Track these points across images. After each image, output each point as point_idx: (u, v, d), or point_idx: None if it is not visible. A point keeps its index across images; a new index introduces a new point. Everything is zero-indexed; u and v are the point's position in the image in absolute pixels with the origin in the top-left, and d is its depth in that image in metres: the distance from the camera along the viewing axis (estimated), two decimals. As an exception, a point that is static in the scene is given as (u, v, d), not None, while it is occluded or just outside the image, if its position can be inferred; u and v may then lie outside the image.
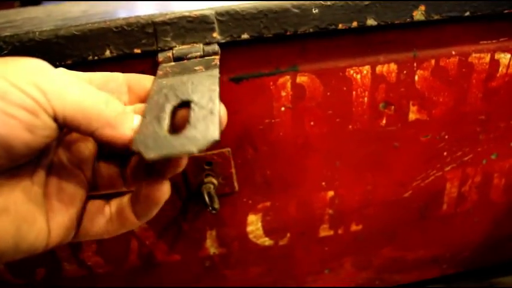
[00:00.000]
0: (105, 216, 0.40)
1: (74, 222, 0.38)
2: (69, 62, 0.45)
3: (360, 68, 0.51)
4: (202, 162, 0.53)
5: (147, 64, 0.48)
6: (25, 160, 0.34)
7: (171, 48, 0.45)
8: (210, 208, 0.52)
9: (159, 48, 0.45)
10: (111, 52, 0.45)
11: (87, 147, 0.39)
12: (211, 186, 0.53)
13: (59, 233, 0.37)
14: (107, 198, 0.40)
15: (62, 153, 0.38)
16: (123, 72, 0.39)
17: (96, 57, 0.45)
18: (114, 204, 0.39)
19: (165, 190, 0.35)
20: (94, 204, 0.40)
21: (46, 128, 0.32)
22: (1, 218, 0.33)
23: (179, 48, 0.45)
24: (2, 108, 0.29)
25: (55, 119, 0.32)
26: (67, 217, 0.38)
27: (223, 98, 0.49)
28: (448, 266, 0.74)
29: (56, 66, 0.44)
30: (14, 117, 0.30)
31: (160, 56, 0.44)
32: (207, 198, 0.51)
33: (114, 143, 0.34)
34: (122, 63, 0.47)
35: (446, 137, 0.59)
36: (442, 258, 0.72)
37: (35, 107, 0.30)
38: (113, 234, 0.40)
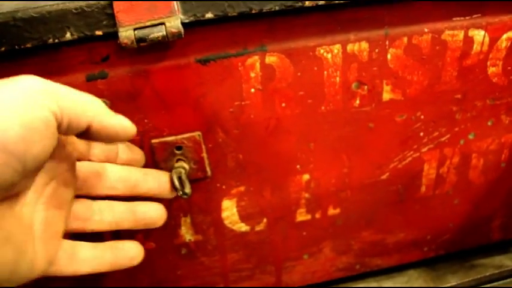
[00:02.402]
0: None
1: (56, 250, 0.40)
2: (28, 45, 0.43)
3: (331, 47, 0.50)
4: (172, 147, 0.52)
5: (111, 47, 0.46)
6: (33, 175, 0.35)
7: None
8: (181, 193, 0.51)
9: (120, 30, 0.44)
10: (71, 34, 0.44)
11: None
12: (182, 171, 0.52)
13: (43, 262, 0.38)
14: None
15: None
16: (88, 55, 0.44)
17: (56, 40, 0.44)
18: None
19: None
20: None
21: (54, 132, 0.33)
22: (5, 247, 0.33)
23: (140, 30, 0.44)
24: (24, 122, 0.30)
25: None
26: (51, 246, 0.39)
27: (190, 80, 0.49)
28: (429, 249, 0.73)
29: (15, 51, 0.43)
30: (34, 129, 0.31)
31: (122, 38, 0.43)
32: (176, 183, 0.50)
33: (112, 130, 0.37)
34: (85, 46, 0.46)
35: (422, 117, 0.58)
36: (423, 240, 0.72)
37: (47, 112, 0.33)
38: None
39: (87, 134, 0.37)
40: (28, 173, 0.32)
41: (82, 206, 0.45)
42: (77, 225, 0.44)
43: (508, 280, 0.73)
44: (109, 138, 0.39)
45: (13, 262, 0.33)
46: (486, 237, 0.75)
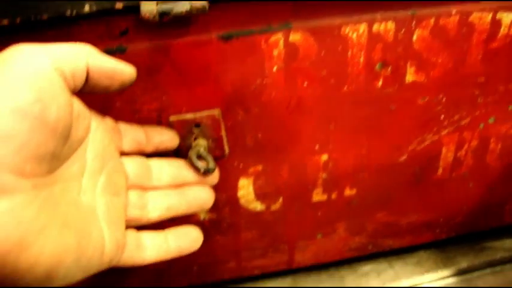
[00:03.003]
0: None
1: (123, 235, 0.42)
2: (44, 17, 0.42)
3: (356, 26, 0.49)
4: (191, 125, 0.51)
5: (130, 21, 0.45)
6: (72, 145, 0.36)
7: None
8: (205, 169, 0.49)
9: (142, 3, 0.43)
10: (90, 7, 0.42)
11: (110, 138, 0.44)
12: (201, 148, 0.51)
13: (111, 246, 0.39)
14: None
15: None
16: (106, 29, 0.43)
17: (74, 12, 0.42)
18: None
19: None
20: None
21: (63, 87, 0.34)
22: (63, 231, 0.33)
23: (164, 3, 0.42)
24: (31, 84, 0.31)
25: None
26: (117, 231, 0.41)
27: (212, 57, 0.47)
28: (441, 231, 0.73)
29: (31, 22, 0.42)
30: (42, 88, 0.32)
31: (144, 11, 0.42)
32: (196, 161, 0.49)
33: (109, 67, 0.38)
34: (103, 19, 0.45)
35: (444, 99, 0.57)
36: (436, 222, 0.72)
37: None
38: None
39: (89, 82, 0.37)
40: (61, 139, 0.33)
41: (136, 195, 0.46)
42: (135, 214, 0.45)
43: (519, 263, 0.74)
44: (108, 79, 0.38)
45: (77, 246, 0.34)
46: (498, 220, 0.75)
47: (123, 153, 0.46)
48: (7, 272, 0.29)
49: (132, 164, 0.46)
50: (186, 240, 0.48)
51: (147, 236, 0.46)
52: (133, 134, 0.47)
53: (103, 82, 0.38)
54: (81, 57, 0.36)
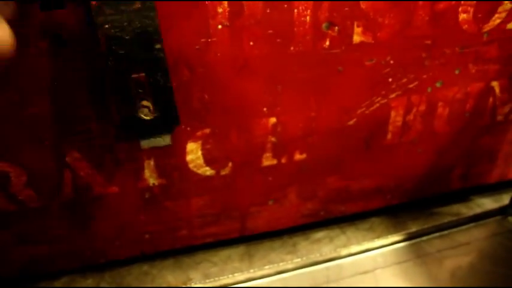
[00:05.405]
0: None
1: None
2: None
3: (302, -18, 0.48)
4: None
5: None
6: None
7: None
8: None
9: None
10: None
11: None
12: (146, 110, 0.50)
13: None
14: None
15: None
16: None
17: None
18: None
19: None
20: None
21: None
22: None
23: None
24: None
25: None
26: None
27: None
28: (392, 197, 0.75)
29: None
30: None
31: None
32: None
33: None
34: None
35: (392, 62, 0.57)
36: (386, 188, 0.73)
37: None
38: None
39: None
40: None
41: None
42: None
43: (465, 227, 0.76)
44: None
45: None
46: (446, 186, 0.77)
47: None
48: None
49: None
50: None
51: None
52: None
53: None
54: None
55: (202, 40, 0.49)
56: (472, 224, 0.77)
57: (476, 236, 0.75)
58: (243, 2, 0.48)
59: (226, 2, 0.47)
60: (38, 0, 0.44)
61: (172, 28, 0.48)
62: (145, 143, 0.51)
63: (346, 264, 0.70)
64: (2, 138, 0.51)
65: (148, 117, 0.49)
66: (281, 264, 0.69)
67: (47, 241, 0.61)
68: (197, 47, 0.50)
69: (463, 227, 0.76)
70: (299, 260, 0.70)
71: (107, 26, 0.43)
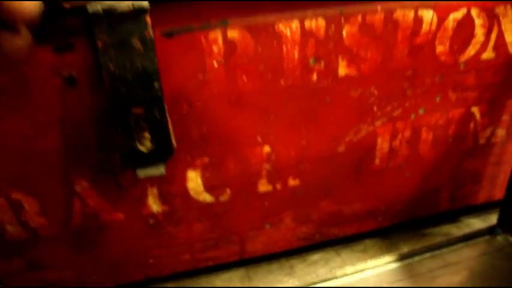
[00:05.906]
0: None
1: None
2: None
3: (289, 22, 0.53)
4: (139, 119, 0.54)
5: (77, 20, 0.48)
6: None
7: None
8: None
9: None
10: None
11: None
12: (147, 141, 0.54)
13: None
14: None
15: None
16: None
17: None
18: None
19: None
20: None
21: None
22: None
23: (108, 3, 0.45)
24: None
25: None
26: None
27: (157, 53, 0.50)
28: (383, 219, 0.78)
29: None
30: None
31: (90, 9, 0.45)
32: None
33: None
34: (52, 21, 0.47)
35: (376, 92, 0.62)
36: (377, 211, 0.76)
37: None
38: None
39: None
40: None
41: None
42: None
43: (455, 247, 0.79)
44: None
45: None
46: (435, 208, 0.81)
47: None
48: None
49: None
50: None
51: None
52: None
53: None
54: None
55: (200, 76, 0.54)
56: (462, 244, 0.80)
57: (466, 255, 0.78)
58: (236, 41, 0.53)
59: (221, 41, 0.52)
60: (51, 42, 0.49)
61: (172, 66, 0.52)
62: (141, 173, 0.55)
63: (342, 285, 0.73)
64: (16, 169, 0.55)
65: (145, 149, 0.53)
66: (279, 286, 0.72)
67: (55, 267, 0.65)
68: (195, 83, 0.54)
69: (454, 247, 0.79)
70: (296, 281, 0.73)
71: (110, 65, 0.48)
